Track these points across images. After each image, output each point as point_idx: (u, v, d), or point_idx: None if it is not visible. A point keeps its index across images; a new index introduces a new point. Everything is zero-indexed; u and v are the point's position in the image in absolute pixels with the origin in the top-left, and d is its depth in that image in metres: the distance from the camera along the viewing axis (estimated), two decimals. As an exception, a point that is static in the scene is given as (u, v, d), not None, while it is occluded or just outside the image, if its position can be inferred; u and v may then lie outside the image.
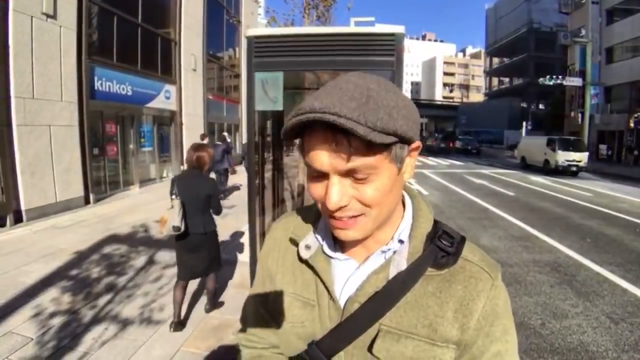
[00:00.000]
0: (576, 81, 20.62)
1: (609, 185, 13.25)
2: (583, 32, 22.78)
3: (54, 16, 6.65)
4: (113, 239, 5.36)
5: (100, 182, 8.47)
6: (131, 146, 9.70)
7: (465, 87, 78.61)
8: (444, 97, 75.25)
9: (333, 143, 0.50)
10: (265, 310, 0.75)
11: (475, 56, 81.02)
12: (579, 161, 15.41)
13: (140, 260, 4.49)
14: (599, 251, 5.45)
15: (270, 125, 3.48)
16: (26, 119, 6.14)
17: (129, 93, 9.24)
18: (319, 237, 0.67)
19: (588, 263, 4.93)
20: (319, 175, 0.55)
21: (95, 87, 8.03)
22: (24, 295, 3.49)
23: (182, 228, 2.88)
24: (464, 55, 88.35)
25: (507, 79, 49.22)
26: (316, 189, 0.56)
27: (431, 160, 23.19)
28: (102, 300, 3.43)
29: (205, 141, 8.52)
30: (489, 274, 0.61)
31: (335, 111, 0.47)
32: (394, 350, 0.59)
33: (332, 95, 0.49)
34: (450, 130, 46.05)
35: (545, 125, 32.63)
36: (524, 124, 29.86)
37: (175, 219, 2.84)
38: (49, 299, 3.42)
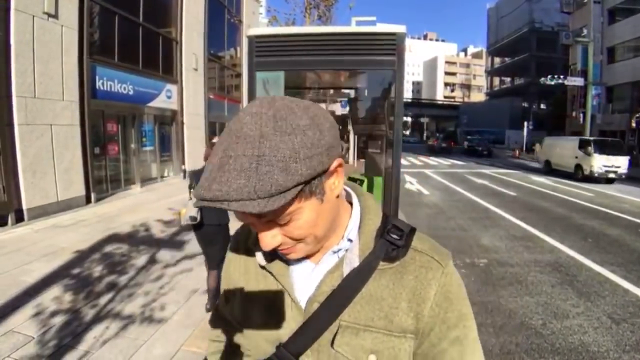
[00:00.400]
0: (578, 81, 20.56)
1: (611, 185, 13.22)
2: (585, 31, 22.70)
3: (55, 15, 6.66)
4: (114, 238, 5.36)
5: (101, 182, 8.48)
6: (132, 145, 9.71)
7: (467, 86, 78.45)
8: (445, 97, 75.14)
9: (240, 213, 0.50)
10: (232, 318, 0.77)
11: (476, 56, 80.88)
12: (619, 167, 13.15)
13: (141, 260, 4.50)
14: (600, 251, 5.44)
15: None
16: (27, 118, 6.15)
17: (130, 92, 9.25)
18: None
19: (589, 263, 4.92)
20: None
21: (97, 87, 8.04)
22: (25, 294, 3.50)
23: (198, 218, 3.09)
24: (466, 54, 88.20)
25: (508, 79, 49.10)
26: (252, 227, 0.58)
27: (432, 160, 23.18)
28: (103, 299, 3.44)
29: (215, 140, 8.56)
30: (439, 262, 0.63)
31: (225, 198, 0.46)
32: (354, 344, 0.61)
33: (221, 176, 0.47)
34: (452, 130, 45.95)
35: (546, 125, 32.57)
36: (526, 123, 29.80)
37: (192, 210, 3.05)
38: (50, 298, 3.43)
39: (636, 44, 21.33)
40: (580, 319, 3.44)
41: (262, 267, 0.68)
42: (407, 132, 60.57)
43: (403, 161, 18.91)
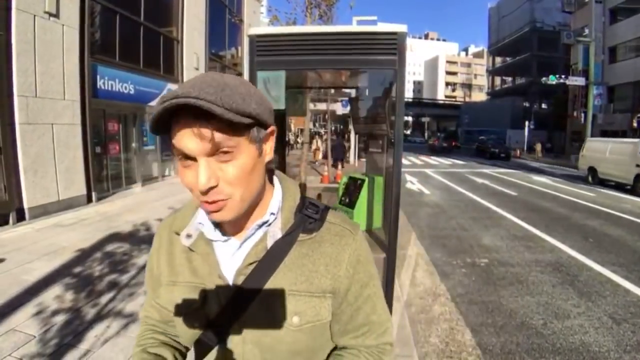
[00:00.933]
0: (579, 81, 20.51)
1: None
2: (586, 31, 22.67)
3: (56, 15, 6.66)
4: (115, 237, 5.37)
5: (102, 181, 8.49)
6: (133, 145, 9.72)
7: (468, 86, 78.31)
8: (446, 96, 75.02)
9: (197, 124, 0.55)
10: (160, 306, 0.78)
11: (477, 55, 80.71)
12: None
13: (142, 259, 4.50)
14: (602, 251, 5.43)
15: (272, 124, 3.47)
16: (29, 117, 6.16)
17: (132, 92, 9.25)
18: (200, 224, 0.71)
19: (590, 263, 4.91)
20: (189, 164, 0.59)
21: (98, 86, 8.04)
22: (26, 293, 3.50)
23: None
24: (467, 54, 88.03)
25: (509, 78, 48.98)
26: (187, 176, 0.60)
27: (433, 160, 23.16)
28: (104, 298, 3.44)
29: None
30: (350, 231, 0.72)
31: (195, 95, 0.53)
32: (279, 309, 0.67)
33: (192, 84, 0.55)
34: (453, 130, 45.80)
35: (547, 124, 32.52)
36: (527, 123, 29.75)
37: None
38: (51, 297, 3.43)
39: (637, 44, 21.28)
40: (581, 319, 3.44)
41: (188, 250, 0.71)
42: (409, 132, 60.45)
43: (404, 161, 18.88)
